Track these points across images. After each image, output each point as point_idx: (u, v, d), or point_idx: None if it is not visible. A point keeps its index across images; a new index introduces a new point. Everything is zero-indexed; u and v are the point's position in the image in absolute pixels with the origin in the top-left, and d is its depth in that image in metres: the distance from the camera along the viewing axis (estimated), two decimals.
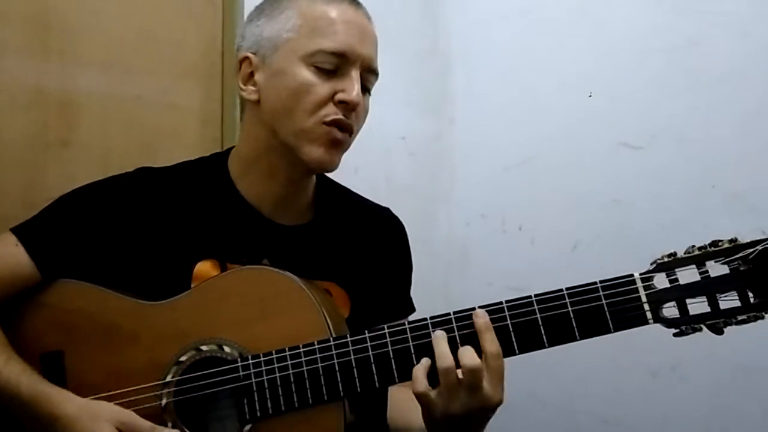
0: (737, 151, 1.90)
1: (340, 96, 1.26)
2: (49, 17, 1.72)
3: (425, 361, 1.14)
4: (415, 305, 1.50)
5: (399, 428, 1.35)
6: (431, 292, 2.26)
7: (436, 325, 1.16)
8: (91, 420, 1.16)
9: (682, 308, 1.08)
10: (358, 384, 1.16)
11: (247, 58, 1.32)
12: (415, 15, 2.38)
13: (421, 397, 1.14)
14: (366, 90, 1.31)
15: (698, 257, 1.08)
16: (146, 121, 1.87)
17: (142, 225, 1.30)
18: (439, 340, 1.14)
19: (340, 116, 1.27)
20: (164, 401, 1.20)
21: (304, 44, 1.27)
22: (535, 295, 1.13)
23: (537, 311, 1.13)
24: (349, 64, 1.27)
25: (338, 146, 1.29)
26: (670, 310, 1.09)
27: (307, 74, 1.27)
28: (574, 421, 2.09)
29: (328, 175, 1.44)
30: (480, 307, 1.15)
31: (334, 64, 1.27)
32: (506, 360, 1.14)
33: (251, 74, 1.32)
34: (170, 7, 1.89)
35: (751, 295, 1.06)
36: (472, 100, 2.36)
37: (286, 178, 1.33)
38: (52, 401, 1.19)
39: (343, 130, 1.28)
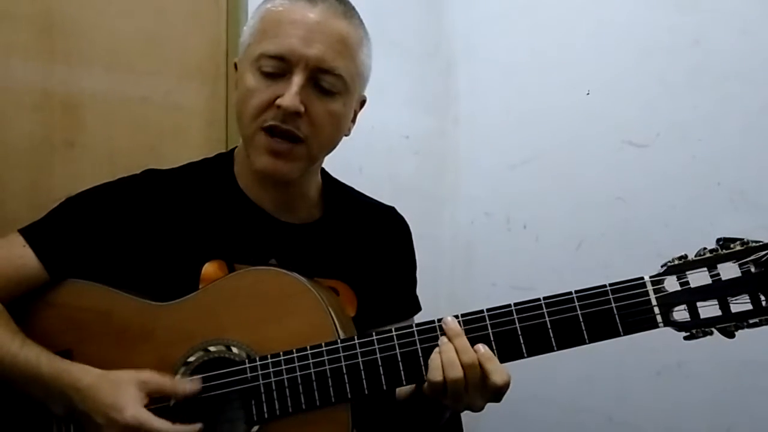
0: (742, 148, 1.90)
1: (277, 101, 1.22)
2: (54, 19, 1.72)
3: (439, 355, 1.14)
4: (420, 302, 1.50)
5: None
6: (436, 290, 2.27)
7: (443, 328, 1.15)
8: (113, 386, 1.17)
9: (693, 312, 1.08)
10: (365, 386, 1.16)
11: (236, 64, 1.33)
12: (418, 14, 2.38)
13: (435, 386, 1.14)
14: (327, 92, 1.25)
15: (709, 260, 1.07)
16: (151, 121, 1.87)
17: (149, 226, 1.30)
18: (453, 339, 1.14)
19: (275, 122, 1.23)
20: (172, 401, 1.20)
21: (254, 49, 1.25)
22: (544, 298, 1.13)
23: (546, 314, 1.12)
24: (292, 66, 1.22)
25: (281, 155, 1.25)
26: (680, 313, 1.08)
27: (252, 79, 1.25)
28: (580, 420, 2.09)
29: (332, 173, 1.45)
30: (488, 309, 1.15)
31: (278, 68, 1.22)
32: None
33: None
34: (175, 8, 1.89)
35: (763, 298, 1.05)
36: (476, 98, 2.36)
37: (266, 178, 1.31)
38: (72, 374, 1.20)
39: (283, 136, 1.24)
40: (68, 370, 1.20)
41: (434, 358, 1.14)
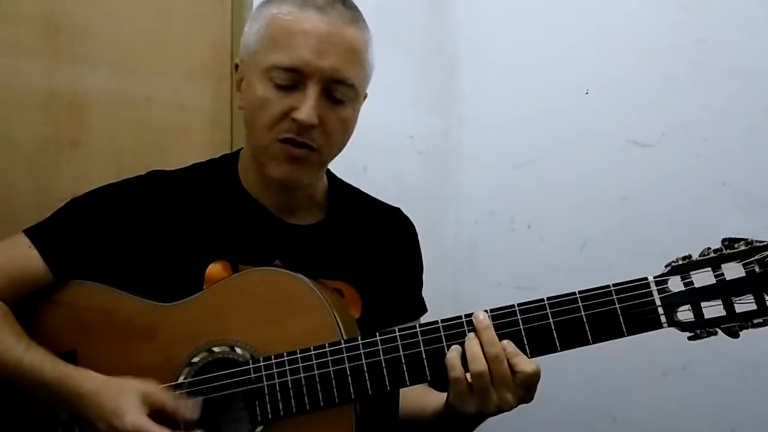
0: (747, 148, 1.89)
1: (292, 114, 1.22)
2: (59, 19, 1.73)
3: (457, 348, 1.14)
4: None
5: (412, 414, 1.34)
6: (440, 290, 2.26)
7: (447, 329, 1.15)
8: (116, 393, 1.17)
9: (697, 312, 1.08)
10: (369, 387, 1.16)
11: (237, 64, 1.33)
12: (422, 14, 2.37)
13: (458, 384, 1.13)
14: (338, 102, 1.25)
15: (713, 260, 1.07)
16: (156, 121, 1.88)
17: (154, 227, 1.30)
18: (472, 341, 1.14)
19: (292, 134, 1.23)
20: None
21: (263, 58, 1.25)
22: (548, 299, 1.13)
23: (550, 315, 1.12)
24: (306, 78, 1.22)
25: (298, 162, 1.26)
26: (684, 313, 1.08)
27: (264, 89, 1.24)
28: (584, 420, 2.09)
29: (337, 173, 1.45)
30: (492, 310, 1.15)
31: (291, 79, 1.22)
32: None
33: (241, 81, 1.31)
34: (179, 8, 1.90)
35: (767, 298, 1.05)
36: (480, 98, 2.35)
37: (277, 184, 1.31)
38: (75, 380, 1.20)
39: (299, 146, 1.24)
40: (71, 376, 1.20)
41: (454, 355, 1.13)
